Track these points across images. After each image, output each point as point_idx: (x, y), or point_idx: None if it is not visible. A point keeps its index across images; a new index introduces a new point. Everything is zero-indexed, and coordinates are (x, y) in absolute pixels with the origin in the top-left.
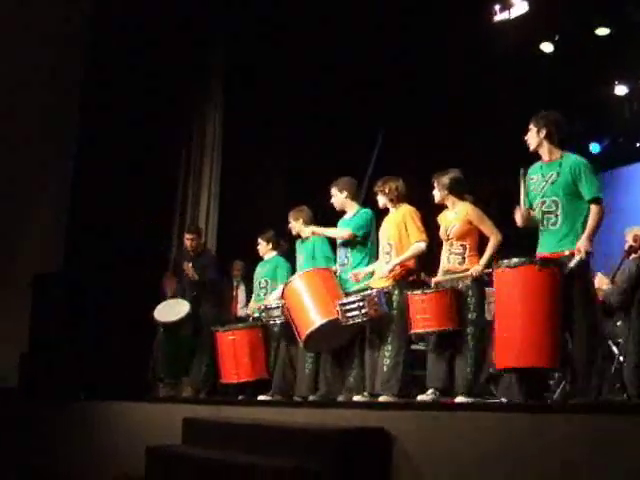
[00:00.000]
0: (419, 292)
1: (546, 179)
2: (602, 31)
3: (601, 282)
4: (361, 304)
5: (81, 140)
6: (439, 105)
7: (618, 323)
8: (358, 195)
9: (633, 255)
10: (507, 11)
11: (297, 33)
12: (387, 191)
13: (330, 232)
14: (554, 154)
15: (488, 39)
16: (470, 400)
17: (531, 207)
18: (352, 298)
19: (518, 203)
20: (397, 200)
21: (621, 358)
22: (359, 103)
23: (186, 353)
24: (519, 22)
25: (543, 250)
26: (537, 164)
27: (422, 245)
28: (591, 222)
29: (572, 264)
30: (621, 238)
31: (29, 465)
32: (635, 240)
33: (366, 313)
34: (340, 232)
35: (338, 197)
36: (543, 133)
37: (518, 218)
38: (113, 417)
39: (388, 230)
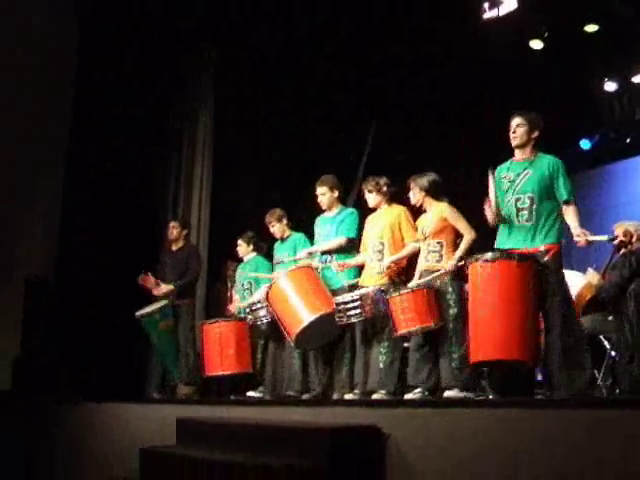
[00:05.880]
0: (397, 294)
1: (520, 176)
2: (591, 28)
3: (592, 277)
4: (358, 303)
5: (71, 145)
6: (427, 103)
7: (609, 318)
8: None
9: (623, 250)
10: (496, 8)
11: (287, 29)
12: (385, 190)
13: (327, 246)
14: (531, 153)
15: (477, 36)
16: (462, 395)
17: (499, 205)
18: (348, 297)
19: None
20: (391, 198)
21: (612, 353)
22: (350, 103)
23: (170, 345)
24: (508, 19)
25: (513, 245)
26: (506, 163)
27: (417, 245)
28: (576, 217)
29: (547, 258)
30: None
31: (24, 468)
32: (625, 235)
33: (363, 312)
34: (337, 241)
35: (329, 196)
36: (535, 134)
37: (490, 216)
38: (107, 418)
39: (380, 229)
